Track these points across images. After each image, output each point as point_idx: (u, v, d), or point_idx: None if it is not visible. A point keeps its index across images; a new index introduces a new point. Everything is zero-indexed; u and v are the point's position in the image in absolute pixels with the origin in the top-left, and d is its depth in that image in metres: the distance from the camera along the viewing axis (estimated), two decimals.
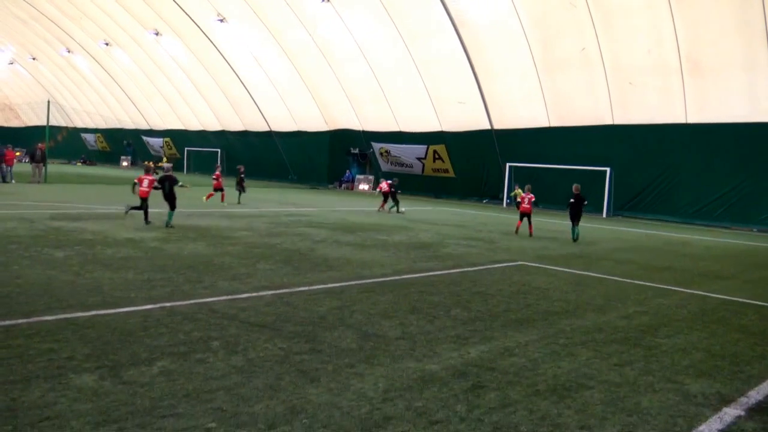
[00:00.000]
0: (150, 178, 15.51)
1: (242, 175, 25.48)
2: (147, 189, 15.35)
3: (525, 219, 18.66)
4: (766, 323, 8.43)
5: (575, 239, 17.82)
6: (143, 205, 15.26)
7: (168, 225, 14.82)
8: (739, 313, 9.06)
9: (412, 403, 4.78)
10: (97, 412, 4.27)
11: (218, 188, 24.13)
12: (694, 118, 27.48)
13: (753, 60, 24.59)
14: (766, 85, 24.84)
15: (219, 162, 47.73)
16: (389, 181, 25.68)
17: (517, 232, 18.75)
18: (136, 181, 15.65)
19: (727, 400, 5.26)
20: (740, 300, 10.10)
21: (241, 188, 25.55)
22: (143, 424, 4.13)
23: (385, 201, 25.20)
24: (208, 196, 24.06)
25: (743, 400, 5.30)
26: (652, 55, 26.87)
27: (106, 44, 53.61)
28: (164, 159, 58.17)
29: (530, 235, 18.41)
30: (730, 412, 4.98)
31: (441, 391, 5.08)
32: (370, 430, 4.25)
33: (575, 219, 18.07)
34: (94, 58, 58.21)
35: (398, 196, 25.19)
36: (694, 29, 25.41)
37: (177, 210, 15.68)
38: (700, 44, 25.65)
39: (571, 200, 18.30)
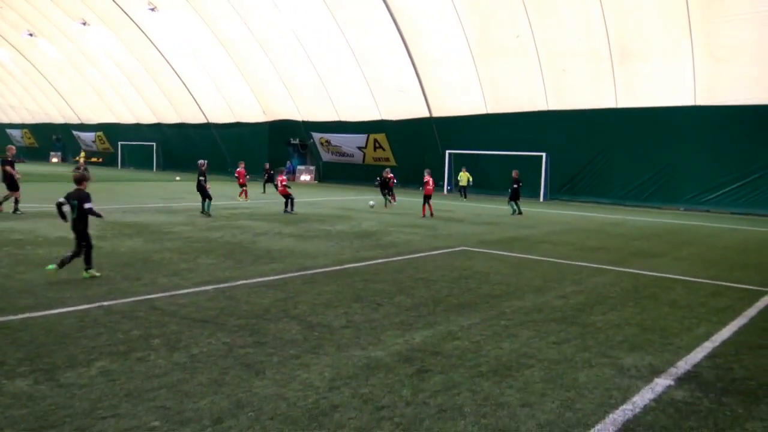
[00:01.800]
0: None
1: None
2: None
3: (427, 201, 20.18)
4: (693, 297, 8.86)
5: (520, 212, 21.64)
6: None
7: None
8: (668, 288, 9.48)
9: (358, 390, 4.82)
10: (33, 417, 4.14)
11: (243, 184, 25.39)
12: (623, 102, 28.45)
13: (675, 47, 25.61)
14: (689, 71, 25.92)
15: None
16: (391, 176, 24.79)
17: (423, 215, 19.90)
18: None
19: (658, 372, 5.52)
20: (670, 276, 10.57)
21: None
22: (82, 426, 4.03)
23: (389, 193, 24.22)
24: (242, 194, 25.14)
25: (673, 370, 5.57)
26: (583, 42, 27.61)
27: (30, 35, 51.21)
28: (81, 154, 55.46)
29: (431, 215, 19.98)
30: (661, 383, 5.23)
31: (386, 377, 5.14)
32: (317, 419, 4.28)
33: (516, 198, 22.12)
34: (17, 50, 55.58)
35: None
36: (621, 16, 26.25)
37: (109, 206, 15.15)
38: (628, 31, 26.52)
39: (514, 185, 22.16)
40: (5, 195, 16.72)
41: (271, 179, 30.68)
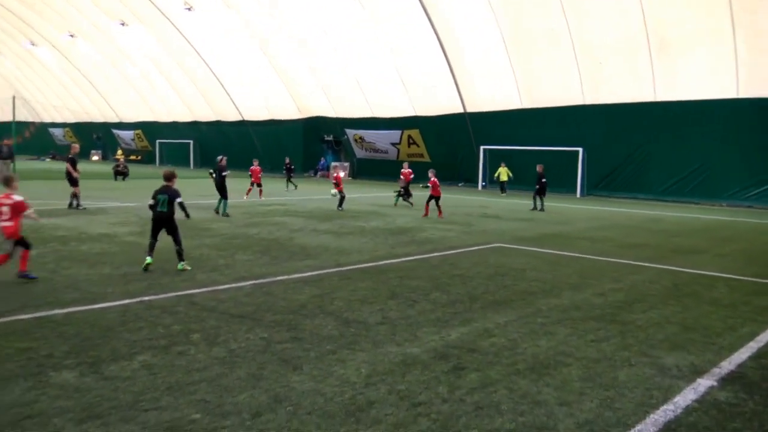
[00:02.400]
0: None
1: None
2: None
3: (433, 202, 18.51)
4: (736, 295, 8.65)
5: (542, 209, 21.40)
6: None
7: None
8: (710, 286, 9.27)
9: (395, 386, 4.84)
10: (79, 408, 4.26)
11: (258, 183, 23.94)
12: (662, 96, 27.84)
13: (718, 37, 24.93)
14: (731, 62, 25.23)
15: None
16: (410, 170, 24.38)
17: (426, 215, 18.40)
18: None
19: (700, 372, 5.40)
20: (711, 273, 10.33)
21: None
22: (126, 418, 4.13)
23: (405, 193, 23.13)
24: (249, 192, 23.74)
25: (716, 370, 5.46)
26: (620, 34, 27.09)
27: (71, 36, 52.48)
28: (118, 152, 54.76)
29: (440, 215, 18.19)
30: (704, 383, 5.13)
31: (423, 373, 5.15)
32: (354, 414, 4.30)
33: (542, 194, 21.95)
34: (59, 51, 56.99)
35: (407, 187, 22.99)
36: (660, 6, 25.67)
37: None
38: (667, 22, 25.92)
39: (542, 180, 22.03)
40: (72, 193, 17.48)
41: (290, 173, 30.88)
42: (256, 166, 24.37)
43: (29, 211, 8.58)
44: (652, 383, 5.09)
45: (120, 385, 4.70)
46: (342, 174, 21.13)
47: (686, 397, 4.82)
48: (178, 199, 9.30)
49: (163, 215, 9.19)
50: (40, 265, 9.18)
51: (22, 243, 8.25)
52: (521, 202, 25.55)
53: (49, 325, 6.15)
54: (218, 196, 17.21)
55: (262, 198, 23.41)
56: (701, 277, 10.06)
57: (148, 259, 9.03)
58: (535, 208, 21.89)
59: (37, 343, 5.59)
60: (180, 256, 9.17)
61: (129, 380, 4.79)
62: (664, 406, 4.61)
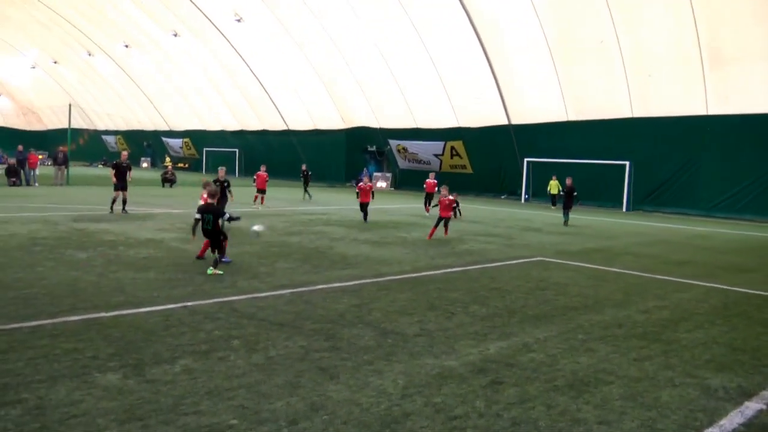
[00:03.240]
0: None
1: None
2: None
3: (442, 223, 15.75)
4: None
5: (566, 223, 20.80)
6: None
7: None
8: (762, 306, 8.96)
9: (431, 399, 4.82)
10: (122, 409, 4.37)
11: (262, 189, 23.47)
12: (714, 109, 27.11)
13: None
14: None
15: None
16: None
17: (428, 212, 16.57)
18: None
19: (748, 394, 5.22)
20: (763, 293, 9.98)
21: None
22: (167, 421, 4.21)
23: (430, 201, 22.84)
24: (255, 199, 23.38)
25: (765, 394, 5.26)
26: (672, 46, 26.53)
27: (126, 46, 54.19)
28: (167, 159, 55.60)
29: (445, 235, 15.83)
30: (752, 406, 4.95)
31: (460, 387, 5.11)
32: (390, 426, 4.30)
33: (569, 207, 21.52)
34: (114, 61, 58.88)
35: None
36: (714, 19, 25.06)
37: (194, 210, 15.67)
38: (721, 34, 25.28)
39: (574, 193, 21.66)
40: (114, 197, 18.11)
41: (307, 181, 29.69)
42: (263, 172, 23.61)
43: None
44: (697, 405, 4.94)
45: (161, 388, 4.80)
46: (366, 183, 19.31)
47: (733, 420, 4.66)
48: (225, 216, 10.09)
49: (209, 232, 9.84)
50: (89, 268, 9.47)
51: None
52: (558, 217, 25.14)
53: (96, 327, 6.33)
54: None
55: (264, 204, 22.86)
56: (752, 296, 9.73)
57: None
58: (566, 222, 21.36)
59: (83, 344, 5.76)
60: (215, 263, 9.63)
61: (170, 384, 4.89)
62: (709, 429, 4.47)
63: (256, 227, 11.34)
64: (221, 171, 17.39)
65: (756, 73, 25.28)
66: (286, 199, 27.72)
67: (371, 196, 19.64)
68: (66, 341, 5.83)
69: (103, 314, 6.85)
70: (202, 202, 10.70)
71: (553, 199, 30.86)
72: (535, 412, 4.66)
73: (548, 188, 31.38)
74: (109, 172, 18.42)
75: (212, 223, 9.74)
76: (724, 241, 18.13)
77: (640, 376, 5.58)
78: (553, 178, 31.12)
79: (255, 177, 23.84)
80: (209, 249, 10.04)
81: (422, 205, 24.03)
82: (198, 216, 9.80)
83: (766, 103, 25.48)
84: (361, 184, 19.72)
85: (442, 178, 36.00)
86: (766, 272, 12.37)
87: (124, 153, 19.64)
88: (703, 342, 6.84)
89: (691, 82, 27.14)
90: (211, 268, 9.57)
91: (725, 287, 10.37)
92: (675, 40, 26.41)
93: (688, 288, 10.19)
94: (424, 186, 24.05)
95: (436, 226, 15.75)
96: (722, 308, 8.70)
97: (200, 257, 10.68)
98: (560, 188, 30.54)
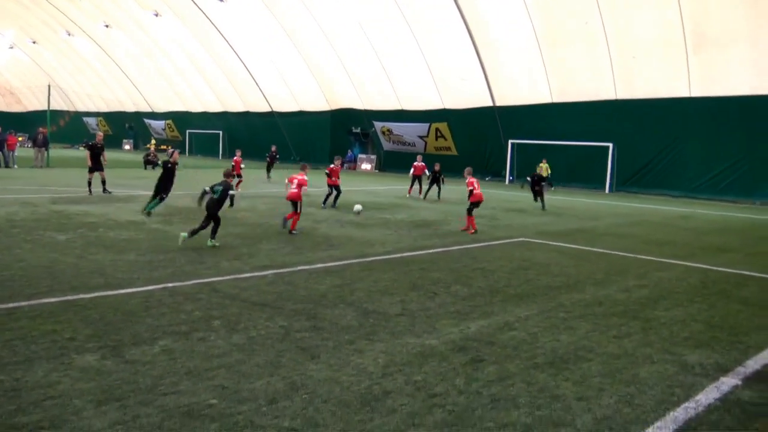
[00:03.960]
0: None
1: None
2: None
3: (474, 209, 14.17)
4: (766, 295, 8.45)
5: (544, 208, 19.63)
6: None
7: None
8: (740, 285, 9.07)
9: (412, 377, 4.83)
10: (99, 390, 4.33)
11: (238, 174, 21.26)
12: (697, 92, 27.24)
13: (758, 33, 24.28)
14: None
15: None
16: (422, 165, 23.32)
17: (475, 231, 13.61)
18: (287, 181, 12.82)
19: (724, 370, 5.29)
20: (742, 272, 10.11)
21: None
22: (145, 401, 4.19)
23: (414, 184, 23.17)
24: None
25: (741, 369, 5.34)
26: (656, 28, 26.54)
27: (106, 26, 53.24)
28: (152, 142, 54.94)
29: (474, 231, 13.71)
30: (728, 382, 5.02)
31: (440, 365, 5.13)
32: (370, 404, 4.31)
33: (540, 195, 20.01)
34: (94, 41, 57.89)
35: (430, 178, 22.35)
36: (698, 1, 25.08)
37: (176, 192, 15.57)
38: (704, 17, 25.32)
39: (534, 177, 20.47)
40: (89, 179, 18.18)
41: (272, 163, 29.28)
42: (238, 157, 22.98)
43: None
44: (674, 381, 5.00)
45: (140, 369, 4.77)
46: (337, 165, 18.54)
47: (709, 395, 4.73)
48: (231, 192, 11.14)
49: (210, 203, 10.50)
50: (68, 250, 9.37)
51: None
52: (548, 197, 25.26)
53: (74, 309, 6.27)
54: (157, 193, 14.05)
55: (239, 189, 21.17)
56: (731, 275, 9.85)
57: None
58: (544, 207, 19.58)
59: (61, 326, 5.71)
60: (213, 233, 10.43)
61: (149, 364, 4.86)
62: (686, 404, 4.53)
63: (357, 207, 15.62)
64: (175, 153, 15.24)
65: (737, 55, 25.38)
66: (271, 181, 27.56)
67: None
68: (43, 323, 5.76)
69: (82, 296, 6.78)
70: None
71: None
72: (514, 389, 4.69)
73: (538, 171, 31.11)
74: (85, 153, 18.40)
75: (220, 193, 10.40)
76: (704, 221, 18.32)
77: (619, 353, 5.63)
78: (543, 161, 31.09)
79: (233, 162, 22.66)
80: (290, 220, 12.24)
81: (406, 188, 23.93)
82: (207, 188, 10.44)
83: (746, 86, 25.63)
84: (332, 165, 18.57)
85: (427, 159, 35.87)
86: (745, 252, 12.52)
87: (99, 134, 19.67)
88: (682, 320, 6.92)
89: (674, 65, 27.21)
90: (212, 241, 10.27)
91: (705, 266, 10.49)
92: (659, 23, 26.40)
93: (668, 267, 10.29)
94: (412, 169, 23.64)
95: (471, 213, 13.96)
96: (701, 287, 8.80)
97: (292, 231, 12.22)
98: (549, 171, 30.59)
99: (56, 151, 40.14)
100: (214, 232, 10.37)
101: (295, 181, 12.54)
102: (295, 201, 12.32)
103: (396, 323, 6.29)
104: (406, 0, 33.48)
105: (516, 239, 12.84)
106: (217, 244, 10.27)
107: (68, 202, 15.64)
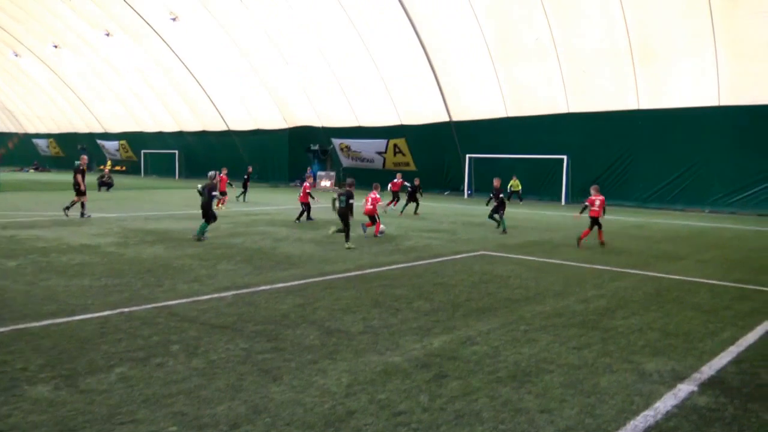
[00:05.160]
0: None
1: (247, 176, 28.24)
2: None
3: (596, 226, 14.61)
4: (718, 301, 8.70)
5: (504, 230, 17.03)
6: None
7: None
8: (692, 292, 9.32)
9: (375, 396, 4.80)
10: (53, 422, 4.18)
11: (223, 192, 23.01)
12: (646, 103, 28.12)
13: (699, 45, 25.23)
14: (712, 70, 25.54)
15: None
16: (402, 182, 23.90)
17: (602, 243, 14.57)
18: (365, 200, 16.12)
19: (681, 377, 5.41)
20: (694, 280, 10.39)
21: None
22: (101, 431, 4.06)
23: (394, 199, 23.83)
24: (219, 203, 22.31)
25: (696, 375, 5.47)
26: (604, 43, 27.34)
27: (55, 47, 52.17)
28: (108, 163, 53.12)
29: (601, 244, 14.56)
30: (684, 388, 5.14)
31: (404, 382, 5.11)
32: (334, 425, 4.26)
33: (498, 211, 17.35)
34: (42, 62, 56.62)
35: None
36: (643, 16, 25.94)
37: (132, 214, 15.31)
38: (650, 30, 26.20)
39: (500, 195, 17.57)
40: (72, 201, 18.36)
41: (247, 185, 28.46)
42: (224, 175, 24.35)
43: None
44: (633, 389, 5.09)
45: (96, 398, 4.63)
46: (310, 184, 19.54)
47: (666, 402, 4.82)
48: (214, 192, 13.97)
49: (342, 210, 13.50)
50: (18, 276, 9.06)
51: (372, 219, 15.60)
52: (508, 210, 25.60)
53: (25, 338, 6.05)
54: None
55: (222, 207, 22.37)
56: (683, 283, 10.11)
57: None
58: (500, 226, 17.34)
59: (11, 356, 5.50)
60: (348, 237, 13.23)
61: (105, 393, 4.72)
62: (645, 412, 4.61)
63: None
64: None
65: (682, 68, 26.33)
66: (229, 200, 27.23)
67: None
68: None
69: (33, 324, 6.56)
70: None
71: (519, 195, 31.25)
72: (478, 404, 4.70)
73: (509, 187, 31.37)
74: (78, 177, 18.17)
75: (206, 194, 13.64)
76: (657, 230, 18.81)
77: (579, 364, 5.71)
78: (514, 177, 31.49)
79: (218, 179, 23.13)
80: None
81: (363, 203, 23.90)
82: (199, 187, 13.88)
83: (691, 98, 26.59)
84: (306, 183, 19.45)
85: (387, 176, 35.98)
86: (696, 259, 12.89)
87: (84, 157, 19.65)
88: (639, 328, 7.07)
89: (622, 78, 28.04)
90: (348, 243, 13.09)
91: (659, 275, 10.75)
92: (606, 37, 27.20)
93: (624, 277, 10.51)
94: (390, 186, 23.84)
95: (591, 229, 14.50)
96: (656, 295, 9.01)
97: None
98: (520, 187, 31.04)
99: (6, 174, 38.96)
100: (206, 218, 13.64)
101: (370, 199, 15.75)
102: (371, 215, 15.60)
103: (359, 341, 6.25)
104: (360, 18, 33.76)
105: (476, 253, 12.95)
106: (352, 246, 12.97)
107: (19, 227, 15.17)
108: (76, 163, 18.93)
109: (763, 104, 24.87)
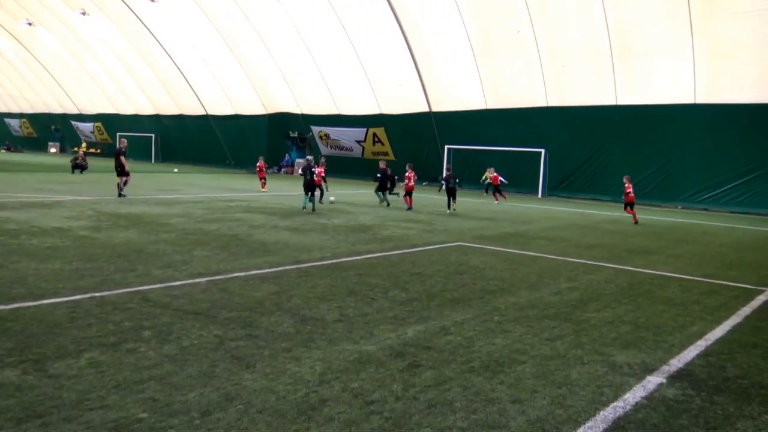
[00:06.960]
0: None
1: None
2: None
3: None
4: (688, 295, 8.85)
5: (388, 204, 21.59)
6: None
7: None
8: (663, 286, 9.47)
9: (348, 384, 4.80)
10: (20, 407, 4.11)
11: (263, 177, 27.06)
12: (623, 99, 28.40)
13: (676, 44, 25.53)
14: (689, 68, 25.87)
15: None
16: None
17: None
18: (405, 179, 20.90)
19: (650, 369, 5.50)
20: (665, 274, 10.55)
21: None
22: (69, 417, 4.00)
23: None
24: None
25: (665, 368, 5.56)
26: (585, 39, 27.52)
27: (29, 24, 51.00)
28: (82, 145, 52.50)
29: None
30: (653, 380, 5.22)
31: (377, 371, 5.12)
32: (306, 413, 4.25)
33: (383, 189, 22.09)
34: (16, 39, 55.36)
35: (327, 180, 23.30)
36: (623, 13, 26.16)
37: (105, 197, 15.11)
38: (629, 27, 26.43)
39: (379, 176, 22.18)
40: (118, 184, 20.01)
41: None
42: (261, 163, 27.99)
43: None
44: (604, 381, 5.15)
45: (65, 383, 4.56)
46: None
47: (636, 394, 4.89)
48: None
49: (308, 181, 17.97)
50: None
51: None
52: (483, 201, 25.75)
53: None
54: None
55: (265, 189, 26.16)
56: (655, 277, 10.26)
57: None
58: (382, 201, 22.04)
59: None
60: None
61: (74, 378, 4.65)
62: (614, 403, 4.68)
63: (331, 198, 21.62)
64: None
65: (659, 65, 26.63)
66: (206, 186, 27.00)
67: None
68: None
69: (1, 307, 6.43)
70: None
71: (487, 188, 31.27)
72: (451, 393, 4.72)
73: (483, 178, 31.31)
74: (122, 159, 20.38)
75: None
76: (630, 225, 19.05)
77: (551, 355, 5.77)
78: (490, 170, 31.41)
79: (257, 168, 28.04)
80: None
81: (344, 192, 23.93)
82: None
83: (667, 95, 26.93)
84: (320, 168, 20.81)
85: (366, 165, 35.84)
86: (668, 254, 13.09)
87: (124, 140, 21.88)
88: (611, 321, 7.16)
89: (601, 73, 28.28)
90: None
91: (631, 268, 10.90)
92: (587, 33, 27.39)
93: (597, 270, 10.64)
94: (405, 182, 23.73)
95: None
96: (628, 288, 9.14)
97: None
98: (500, 179, 30.99)
99: None
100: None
101: (410, 178, 20.55)
102: (410, 192, 20.32)
103: (333, 330, 6.24)
104: (342, 4, 33.53)
105: (452, 243, 13.00)
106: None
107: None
108: (118, 146, 20.95)
109: (737, 103, 25.29)
